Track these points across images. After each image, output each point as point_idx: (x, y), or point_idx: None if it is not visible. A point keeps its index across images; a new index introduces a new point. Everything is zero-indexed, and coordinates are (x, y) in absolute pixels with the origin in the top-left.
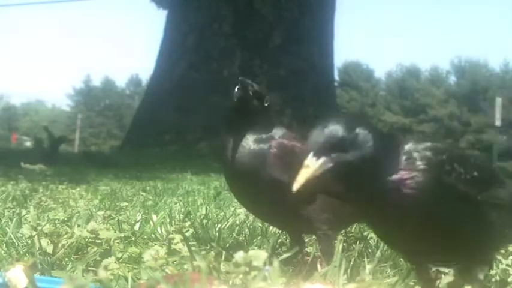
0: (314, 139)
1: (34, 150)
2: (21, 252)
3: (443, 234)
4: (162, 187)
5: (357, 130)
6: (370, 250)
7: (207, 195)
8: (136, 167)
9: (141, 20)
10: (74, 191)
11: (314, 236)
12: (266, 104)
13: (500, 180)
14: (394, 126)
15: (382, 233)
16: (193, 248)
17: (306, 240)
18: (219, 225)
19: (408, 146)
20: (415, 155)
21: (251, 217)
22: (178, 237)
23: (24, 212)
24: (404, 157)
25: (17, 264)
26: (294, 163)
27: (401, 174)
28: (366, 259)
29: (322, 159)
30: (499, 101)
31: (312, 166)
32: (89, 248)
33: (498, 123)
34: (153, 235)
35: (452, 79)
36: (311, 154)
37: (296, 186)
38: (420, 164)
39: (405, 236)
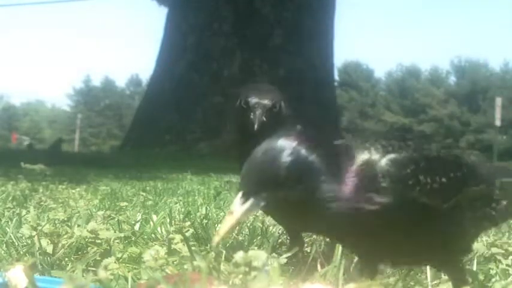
0: (245, 175)
1: (29, 152)
2: (21, 252)
3: (412, 244)
4: (162, 187)
5: (298, 159)
6: None
7: (207, 195)
8: (137, 167)
9: (141, 20)
10: (74, 191)
11: (314, 236)
12: (276, 109)
13: (477, 175)
14: (394, 126)
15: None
16: (193, 248)
17: (306, 240)
18: (219, 225)
19: (369, 158)
20: (378, 170)
21: (251, 217)
22: (178, 237)
23: (24, 212)
24: (362, 172)
25: (17, 264)
26: None
27: (359, 196)
28: None
29: (249, 202)
30: (499, 101)
31: (236, 213)
32: (89, 248)
33: (498, 123)
34: (153, 235)
35: (452, 79)
36: (239, 195)
37: (216, 240)
38: (383, 182)
39: (368, 246)
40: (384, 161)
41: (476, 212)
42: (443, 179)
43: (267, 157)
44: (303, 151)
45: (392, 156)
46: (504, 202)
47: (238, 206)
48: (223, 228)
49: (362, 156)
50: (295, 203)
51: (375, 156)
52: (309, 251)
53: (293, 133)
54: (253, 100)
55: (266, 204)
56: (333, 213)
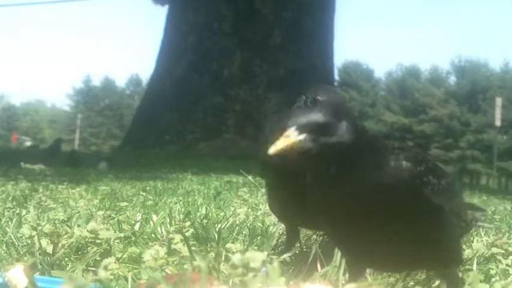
0: (298, 115)
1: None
2: (21, 252)
3: (414, 241)
4: (162, 187)
5: (341, 120)
6: None
7: (207, 195)
8: (136, 167)
9: (141, 19)
10: (74, 191)
11: (314, 236)
12: None
13: (455, 186)
14: (394, 126)
15: (336, 231)
16: (193, 248)
17: (306, 240)
18: (219, 225)
19: (395, 155)
20: (399, 164)
21: (251, 217)
22: (178, 237)
23: (24, 212)
24: (389, 161)
25: (17, 264)
26: None
27: (382, 176)
28: None
29: (303, 136)
30: (499, 101)
31: (292, 137)
32: (89, 248)
33: (498, 123)
34: (153, 235)
35: (452, 79)
36: (293, 127)
37: (272, 150)
38: (405, 176)
39: (369, 239)
40: (403, 156)
41: (458, 221)
42: (444, 182)
43: (323, 109)
44: (347, 121)
45: (410, 153)
46: (470, 217)
47: (294, 134)
48: (280, 145)
49: (393, 150)
50: (332, 155)
51: (401, 152)
52: (309, 251)
53: (343, 106)
54: (323, 98)
55: (313, 146)
56: (358, 176)
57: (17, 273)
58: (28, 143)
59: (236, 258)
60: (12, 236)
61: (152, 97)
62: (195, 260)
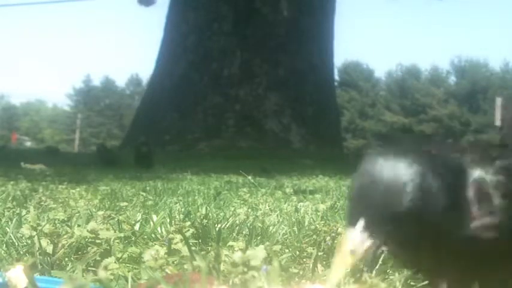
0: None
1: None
2: (21, 252)
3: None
4: (162, 187)
5: (420, 189)
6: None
7: (207, 195)
8: (136, 167)
9: (142, 19)
10: (74, 191)
11: (314, 236)
12: None
13: None
14: (394, 126)
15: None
16: (193, 248)
17: (307, 240)
18: (219, 225)
19: (480, 171)
20: (488, 183)
21: (251, 217)
22: (178, 237)
23: (24, 212)
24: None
25: (17, 264)
26: None
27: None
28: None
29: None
30: (499, 101)
31: (358, 250)
32: (89, 248)
33: (498, 123)
34: (153, 235)
35: (452, 79)
36: (358, 226)
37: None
38: (494, 197)
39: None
40: (492, 170)
41: None
42: None
43: (388, 186)
44: (426, 178)
45: (499, 162)
46: None
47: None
48: (337, 273)
49: (474, 170)
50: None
51: (485, 167)
52: (309, 251)
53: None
54: None
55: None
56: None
57: (17, 273)
58: (28, 143)
59: (237, 256)
60: (12, 236)
61: (152, 97)
62: (195, 260)
